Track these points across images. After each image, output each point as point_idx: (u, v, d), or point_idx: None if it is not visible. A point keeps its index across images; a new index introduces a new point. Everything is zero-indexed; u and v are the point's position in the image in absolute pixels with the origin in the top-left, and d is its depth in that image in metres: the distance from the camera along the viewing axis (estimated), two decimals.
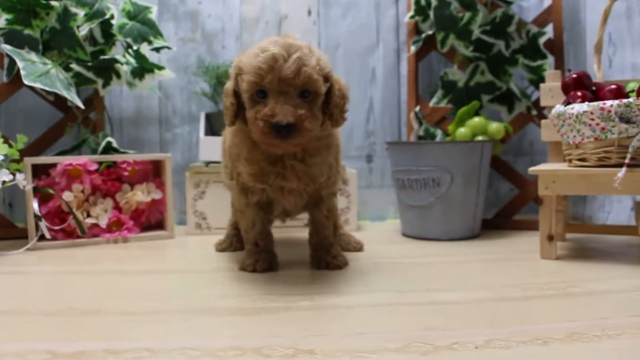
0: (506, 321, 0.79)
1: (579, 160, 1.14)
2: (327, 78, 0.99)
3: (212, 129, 1.65)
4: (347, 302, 0.90)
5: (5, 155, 1.33)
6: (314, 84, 0.95)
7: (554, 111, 1.16)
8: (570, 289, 0.95)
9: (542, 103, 1.35)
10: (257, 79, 0.94)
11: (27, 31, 1.45)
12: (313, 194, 1.11)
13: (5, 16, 1.41)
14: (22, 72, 1.33)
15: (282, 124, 0.92)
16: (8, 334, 0.77)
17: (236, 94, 1.00)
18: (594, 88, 1.18)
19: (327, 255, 1.13)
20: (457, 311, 0.85)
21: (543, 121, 1.34)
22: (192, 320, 0.82)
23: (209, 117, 1.67)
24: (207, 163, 1.56)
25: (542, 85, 1.35)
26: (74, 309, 0.87)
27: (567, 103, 1.15)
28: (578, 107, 1.10)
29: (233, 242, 1.33)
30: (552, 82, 1.33)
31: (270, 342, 0.72)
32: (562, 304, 0.87)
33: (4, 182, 1.27)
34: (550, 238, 1.18)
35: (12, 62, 1.47)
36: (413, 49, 1.68)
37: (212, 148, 1.52)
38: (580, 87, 1.17)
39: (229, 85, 1.01)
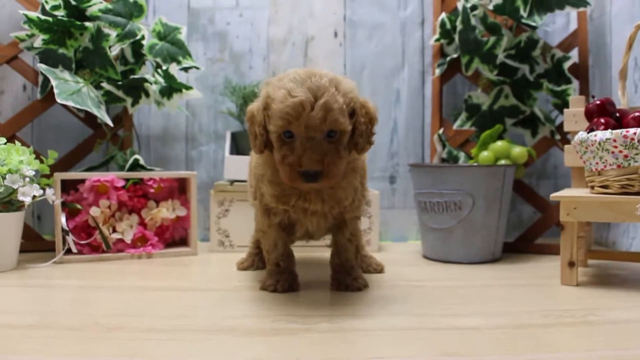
0: (523, 349, 0.79)
1: (602, 187, 1.14)
2: (353, 112, 1.01)
3: (238, 147, 1.67)
4: (365, 325, 0.91)
5: (37, 171, 1.37)
6: (340, 126, 0.97)
7: (576, 138, 1.16)
8: (590, 317, 0.94)
9: (566, 128, 1.34)
10: (284, 124, 0.96)
11: (61, 50, 1.50)
12: (337, 216, 1.12)
13: (42, 36, 1.46)
14: (55, 91, 1.38)
15: (310, 173, 0.95)
16: (31, 348, 0.79)
17: (264, 125, 1.01)
18: (617, 115, 1.18)
19: (348, 278, 1.14)
20: (475, 337, 0.85)
21: (566, 146, 1.33)
22: (212, 339, 0.83)
23: (234, 136, 1.69)
24: (232, 182, 1.58)
25: (566, 111, 1.34)
26: (98, 325, 0.89)
27: (590, 130, 1.15)
28: (601, 135, 1.10)
29: (255, 260, 1.35)
30: (576, 108, 1.33)
31: None
32: (580, 333, 0.86)
33: (34, 196, 1.31)
34: (572, 264, 1.17)
35: (46, 80, 1.53)
36: (438, 71, 1.69)
37: (237, 167, 1.55)
38: (604, 113, 1.17)
39: (257, 115, 1.02)
